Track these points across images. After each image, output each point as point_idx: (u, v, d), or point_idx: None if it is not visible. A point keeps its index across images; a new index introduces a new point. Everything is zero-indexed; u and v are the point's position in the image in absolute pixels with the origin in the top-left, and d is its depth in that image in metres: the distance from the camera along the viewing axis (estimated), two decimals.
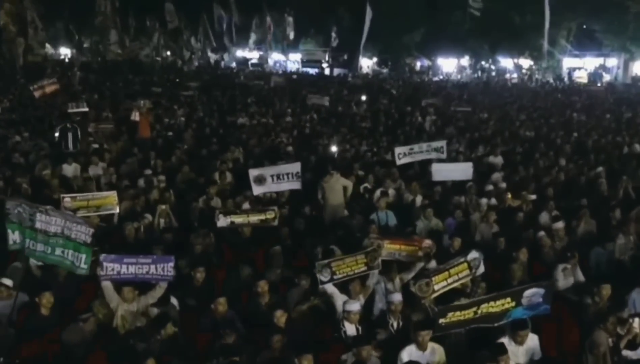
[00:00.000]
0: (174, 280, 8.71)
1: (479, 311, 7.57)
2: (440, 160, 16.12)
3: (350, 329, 8.17)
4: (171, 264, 8.58)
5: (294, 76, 44.08)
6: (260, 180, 13.15)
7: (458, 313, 7.51)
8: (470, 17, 53.24)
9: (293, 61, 60.63)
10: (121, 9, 53.23)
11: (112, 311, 8.48)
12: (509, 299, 7.70)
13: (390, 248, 9.41)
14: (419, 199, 13.79)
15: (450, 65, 57.21)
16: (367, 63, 58.30)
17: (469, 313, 7.54)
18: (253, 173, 13.24)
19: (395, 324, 8.45)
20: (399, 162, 16.19)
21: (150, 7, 53.89)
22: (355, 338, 7.87)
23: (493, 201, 13.67)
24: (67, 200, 11.53)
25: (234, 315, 8.45)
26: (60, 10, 52.55)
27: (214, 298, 8.51)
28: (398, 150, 16.45)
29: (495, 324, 7.77)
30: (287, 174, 13.22)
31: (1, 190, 13.73)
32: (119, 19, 50.89)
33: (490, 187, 14.47)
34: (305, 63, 46.54)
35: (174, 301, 8.87)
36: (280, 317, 8.05)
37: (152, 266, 8.51)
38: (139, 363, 6.95)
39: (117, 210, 11.79)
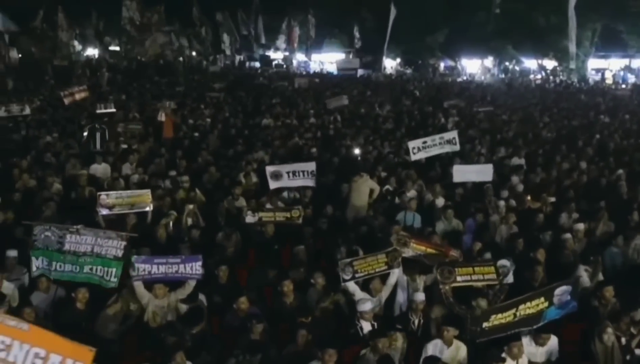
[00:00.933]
0: (202, 278, 9.12)
1: (518, 314, 7.84)
2: (455, 154, 16.40)
3: (367, 326, 8.49)
4: (199, 263, 9.03)
5: (317, 80, 44.23)
6: (277, 176, 13.81)
7: (500, 315, 7.78)
8: (493, 18, 53.24)
9: (316, 62, 60.89)
10: (146, 9, 54.14)
11: (142, 306, 8.91)
12: (542, 299, 7.99)
13: (416, 248, 9.69)
14: (439, 200, 14.00)
15: (474, 66, 57.13)
16: (390, 64, 58.38)
17: (509, 316, 7.80)
18: (270, 169, 13.99)
19: (416, 322, 8.72)
20: (413, 157, 16.56)
21: (176, 9, 54.51)
22: (372, 332, 8.18)
23: (512, 203, 13.84)
24: (103, 197, 11.95)
25: (258, 311, 8.80)
26: (89, 12, 53.37)
27: (238, 295, 8.88)
28: (412, 144, 16.78)
29: (534, 327, 8.00)
30: (303, 171, 13.76)
31: (34, 190, 14.27)
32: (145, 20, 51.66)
33: (508, 189, 14.63)
34: (340, 70, 47.56)
35: (201, 297, 9.26)
36: (305, 319, 8.40)
37: (182, 266, 8.95)
38: (169, 356, 7.32)
39: (151, 208, 12.17)
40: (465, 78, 53.58)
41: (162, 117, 21.99)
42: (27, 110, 24.00)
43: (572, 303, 8.13)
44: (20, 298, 8.97)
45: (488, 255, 9.97)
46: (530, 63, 54.21)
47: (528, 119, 27.23)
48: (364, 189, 13.63)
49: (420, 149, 16.81)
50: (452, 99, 32.66)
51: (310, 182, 13.81)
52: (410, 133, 23.00)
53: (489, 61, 56.29)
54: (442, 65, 58.58)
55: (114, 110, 23.18)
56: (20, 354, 5.14)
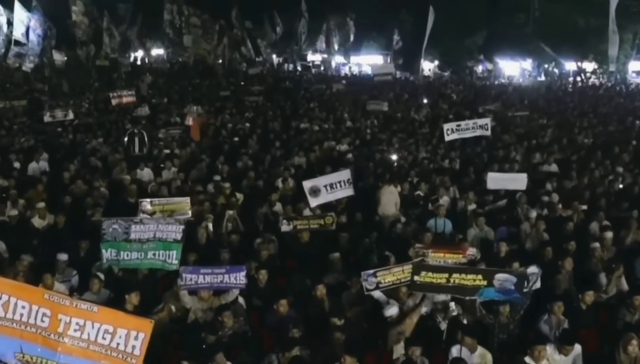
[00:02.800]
0: (245, 287, 9.62)
1: (451, 280, 8.41)
2: (490, 160, 16.74)
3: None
4: (243, 273, 9.50)
5: (354, 86, 44.64)
6: (315, 192, 13.66)
7: (431, 274, 8.40)
8: (532, 20, 52.96)
9: (355, 64, 61.18)
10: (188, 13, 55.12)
11: (186, 308, 9.49)
12: (480, 276, 8.49)
13: (435, 257, 10.10)
14: (472, 207, 14.32)
15: (512, 69, 56.82)
16: (428, 66, 58.40)
17: (441, 278, 8.38)
18: (307, 185, 13.72)
19: (443, 325, 9.11)
20: (447, 138, 17.80)
21: (217, 11, 55.30)
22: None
23: (544, 210, 14.06)
24: (144, 204, 12.52)
25: (296, 314, 9.29)
26: (133, 17, 54.37)
27: (277, 298, 9.39)
28: (446, 126, 17.88)
29: (467, 298, 8.61)
30: (340, 182, 13.74)
31: (83, 194, 14.97)
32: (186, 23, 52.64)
33: (543, 197, 14.80)
34: (376, 75, 48.27)
35: (241, 300, 9.80)
36: (337, 322, 8.84)
37: (226, 276, 9.45)
38: (209, 357, 7.84)
39: (189, 215, 12.63)
40: (503, 80, 53.33)
41: (189, 121, 22.71)
42: (71, 115, 24.91)
43: (515, 294, 8.54)
44: None
45: (516, 264, 10.23)
46: (570, 65, 53.76)
47: (564, 124, 27.14)
48: (390, 197, 14.05)
49: (454, 131, 17.95)
50: (489, 102, 32.78)
51: (349, 191, 13.91)
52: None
53: (527, 63, 55.94)
54: (479, 67, 58.36)
55: (147, 112, 24.05)
56: (93, 332, 6.02)
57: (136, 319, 6.28)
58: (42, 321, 6.02)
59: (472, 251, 10.36)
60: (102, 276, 9.90)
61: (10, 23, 49.87)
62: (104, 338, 6.01)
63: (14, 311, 6.07)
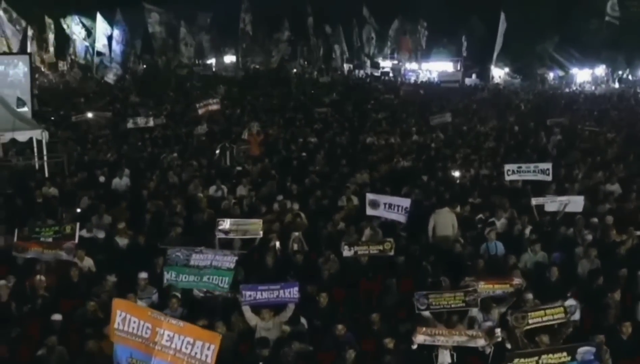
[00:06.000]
0: (299, 301, 10.70)
1: (540, 361, 8.83)
2: (548, 184, 17.11)
3: (444, 356, 9.64)
4: (296, 288, 10.67)
5: (422, 91, 44.95)
6: (374, 204, 15.13)
7: (523, 359, 8.80)
8: (606, 26, 52.08)
9: (426, 70, 61.43)
10: (261, 22, 56.72)
11: (251, 327, 10.53)
12: (565, 353, 8.93)
13: (485, 288, 10.86)
14: (528, 230, 14.62)
15: (584, 76, 55.88)
16: (498, 73, 58.10)
17: (531, 361, 8.80)
18: (369, 196, 15.32)
19: (487, 350, 9.76)
20: (507, 178, 17.99)
21: (289, 20, 56.59)
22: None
23: (598, 234, 14.27)
24: (221, 223, 13.61)
25: (352, 337, 10.12)
26: (210, 26, 56.11)
27: (336, 321, 10.24)
28: (507, 166, 18.22)
29: None
30: (398, 206, 14.95)
31: (160, 209, 16.14)
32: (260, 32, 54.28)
33: (591, 220, 14.92)
34: (443, 82, 48.68)
35: (303, 321, 10.72)
36: (388, 343, 9.63)
37: (281, 291, 10.63)
38: None
39: (261, 236, 13.70)
40: (574, 88, 52.55)
41: (245, 135, 23.85)
42: (151, 122, 26.55)
43: (595, 363, 8.97)
44: None
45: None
46: None
47: (632, 139, 26.24)
48: (447, 221, 14.60)
49: (514, 172, 18.06)
50: (558, 113, 32.60)
51: (401, 218, 14.89)
52: (510, 151, 23.54)
53: (600, 70, 54.97)
54: (551, 74, 57.64)
55: (206, 130, 25.88)
56: (178, 342, 7.40)
57: (209, 333, 7.67)
58: (145, 333, 7.53)
59: (518, 280, 11.02)
60: (178, 295, 10.96)
61: (90, 34, 52.35)
62: (186, 348, 7.38)
63: (129, 325, 7.61)
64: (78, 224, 13.43)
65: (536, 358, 8.87)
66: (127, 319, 7.59)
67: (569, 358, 8.91)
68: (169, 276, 11.38)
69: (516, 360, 8.82)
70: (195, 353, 7.33)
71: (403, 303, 11.26)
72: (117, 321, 7.64)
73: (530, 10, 52.52)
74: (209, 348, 7.32)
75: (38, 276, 11.69)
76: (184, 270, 11.27)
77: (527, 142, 25.93)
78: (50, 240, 12.93)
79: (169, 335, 7.42)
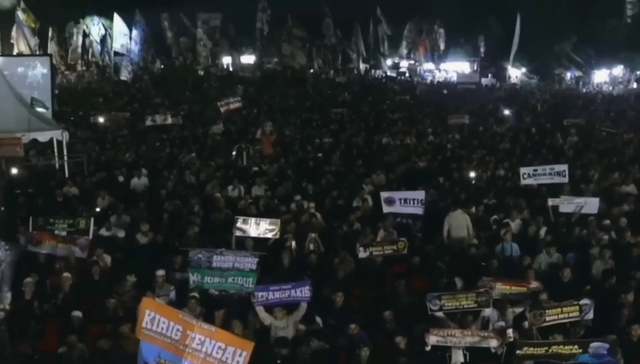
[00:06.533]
0: (311, 299, 10.81)
1: (550, 351, 8.95)
2: (562, 185, 17.07)
3: (457, 356, 9.76)
4: (307, 287, 10.80)
5: (445, 91, 44.88)
6: (390, 202, 15.52)
7: (532, 349, 8.95)
8: (625, 25, 51.71)
9: (442, 70, 61.37)
10: (279, 23, 56.91)
11: (266, 326, 10.71)
12: (576, 346, 9.01)
13: (502, 289, 10.95)
14: (543, 231, 14.68)
15: (602, 76, 55.50)
16: (515, 73, 57.90)
17: (541, 351, 8.94)
18: (384, 195, 15.72)
19: (500, 351, 9.83)
20: (523, 182, 17.87)
21: (306, 20, 56.72)
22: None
23: (613, 235, 14.26)
24: (239, 221, 13.79)
25: (366, 335, 10.26)
26: (225, 27, 56.42)
27: (350, 320, 10.38)
28: (523, 170, 18.12)
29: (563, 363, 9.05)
30: (413, 200, 15.38)
31: (178, 209, 16.36)
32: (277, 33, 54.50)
33: (604, 221, 14.87)
34: (460, 83, 48.75)
35: (318, 320, 10.87)
36: (400, 342, 9.78)
37: (292, 290, 10.79)
38: None
39: (278, 236, 13.88)
40: (592, 88, 52.26)
41: (258, 134, 24.10)
42: (169, 120, 26.92)
43: (608, 358, 8.98)
44: None
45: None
46: None
47: None
48: (461, 223, 14.70)
49: (530, 176, 17.93)
50: (575, 113, 32.48)
51: (419, 211, 15.23)
52: (525, 152, 23.57)
53: (618, 70, 54.59)
54: (568, 74, 57.34)
55: (222, 129, 26.17)
56: (210, 347, 7.43)
57: (242, 341, 7.73)
58: (175, 334, 7.56)
59: (535, 284, 11.10)
60: (197, 295, 11.13)
61: (109, 34, 52.84)
62: (217, 353, 7.43)
63: (158, 325, 7.65)
64: (92, 219, 13.79)
65: (546, 347, 8.99)
66: (157, 320, 7.63)
67: (580, 351, 8.98)
68: (194, 278, 11.56)
69: (526, 348, 8.96)
70: (227, 359, 7.38)
71: (416, 303, 11.35)
72: (146, 320, 7.68)
73: (548, 10, 52.24)
74: (240, 355, 7.38)
75: (64, 273, 11.91)
76: (208, 272, 11.49)
77: (543, 142, 25.90)
78: (64, 233, 13.28)
79: (200, 339, 7.45)
